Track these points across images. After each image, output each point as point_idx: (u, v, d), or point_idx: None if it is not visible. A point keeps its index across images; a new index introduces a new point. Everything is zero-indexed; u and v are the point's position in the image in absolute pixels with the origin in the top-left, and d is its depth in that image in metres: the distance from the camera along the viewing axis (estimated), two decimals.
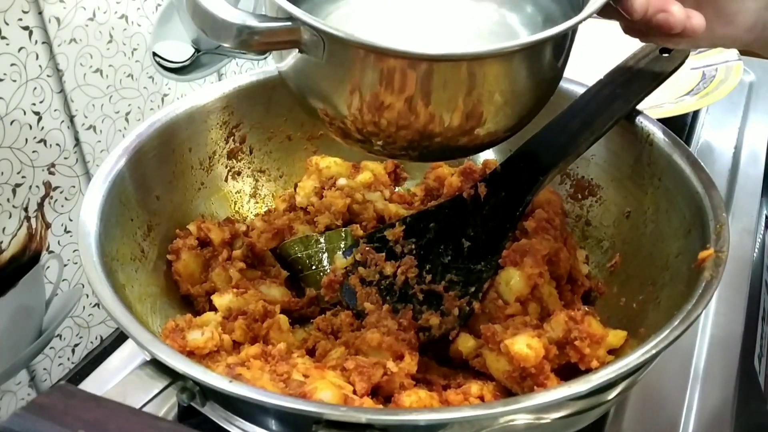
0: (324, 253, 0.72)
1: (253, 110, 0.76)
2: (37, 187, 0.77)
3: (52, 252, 0.81)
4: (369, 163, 0.78)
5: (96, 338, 0.90)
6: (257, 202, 0.79)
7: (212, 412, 0.51)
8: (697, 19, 0.53)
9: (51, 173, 0.78)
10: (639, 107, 0.68)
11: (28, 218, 0.77)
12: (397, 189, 0.80)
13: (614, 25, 0.60)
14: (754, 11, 0.55)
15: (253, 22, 0.47)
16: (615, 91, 0.68)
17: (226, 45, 0.48)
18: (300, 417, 0.45)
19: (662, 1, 0.52)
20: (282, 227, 0.73)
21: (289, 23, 0.48)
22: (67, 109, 0.79)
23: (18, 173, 0.75)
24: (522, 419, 0.46)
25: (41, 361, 0.83)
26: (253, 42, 0.48)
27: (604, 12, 0.52)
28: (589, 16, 0.49)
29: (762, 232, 0.91)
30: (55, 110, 0.77)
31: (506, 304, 0.62)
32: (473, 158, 0.80)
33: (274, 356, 0.58)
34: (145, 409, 0.45)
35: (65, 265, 0.83)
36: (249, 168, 0.78)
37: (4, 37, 0.70)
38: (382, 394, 0.57)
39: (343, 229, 0.74)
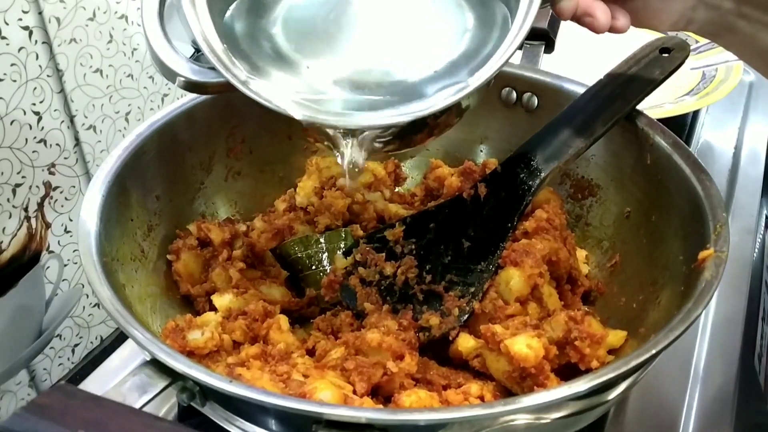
0: (324, 253, 0.72)
1: (253, 110, 0.75)
2: (37, 187, 0.77)
3: (52, 252, 0.81)
4: (369, 163, 0.78)
5: (96, 338, 0.90)
6: (257, 202, 0.79)
7: (212, 412, 0.51)
8: (621, 21, 0.57)
9: (51, 173, 0.78)
10: (639, 107, 0.68)
11: (28, 218, 0.77)
12: (397, 189, 0.80)
13: None
14: (677, 12, 0.58)
15: (191, 75, 0.55)
16: (615, 91, 0.68)
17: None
18: (300, 417, 0.45)
19: (588, 5, 0.56)
20: (282, 227, 0.73)
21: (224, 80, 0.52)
22: (67, 109, 0.79)
23: (18, 173, 0.75)
24: (522, 419, 0.46)
25: (41, 361, 0.83)
26: (195, 88, 0.56)
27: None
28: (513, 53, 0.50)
29: (762, 232, 0.91)
30: (55, 110, 0.77)
31: (506, 304, 0.62)
32: (473, 158, 0.80)
33: (274, 356, 0.58)
34: (145, 409, 0.45)
35: (65, 265, 0.83)
36: (249, 168, 0.78)
37: (4, 37, 0.70)
38: (382, 394, 0.57)
39: (343, 229, 0.74)
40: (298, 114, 0.51)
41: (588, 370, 0.56)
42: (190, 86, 0.56)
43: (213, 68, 0.52)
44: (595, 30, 0.57)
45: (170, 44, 0.55)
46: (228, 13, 0.55)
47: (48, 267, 0.81)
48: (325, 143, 0.56)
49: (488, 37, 0.54)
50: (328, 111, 0.51)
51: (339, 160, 0.56)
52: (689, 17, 0.58)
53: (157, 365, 0.48)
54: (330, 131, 0.54)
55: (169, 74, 0.55)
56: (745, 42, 0.58)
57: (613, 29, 0.57)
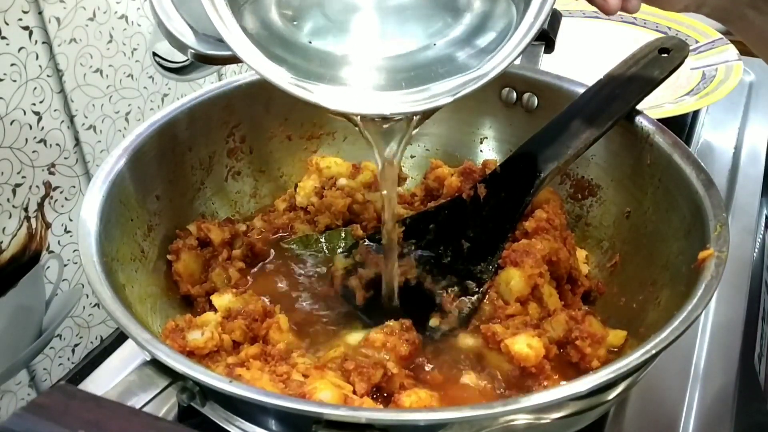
0: (324, 252, 0.72)
1: (253, 110, 0.76)
2: (37, 187, 0.77)
3: (52, 252, 0.81)
4: (369, 163, 0.78)
5: (96, 338, 0.90)
6: (257, 202, 0.79)
7: (212, 412, 0.51)
8: (632, 3, 0.58)
9: (51, 173, 0.78)
10: (639, 107, 0.69)
11: (28, 218, 0.77)
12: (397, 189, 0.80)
13: (614, 26, 0.60)
14: None
15: (201, 48, 0.55)
16: (614, 91, 0.68)
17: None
18: (300, 417, 0.45)
19: None
20: (282, 227, 0.73)
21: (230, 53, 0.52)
22: (67, 109, 0.79)
23: (18, 173, 0.74)
24: (522, 419, 0.46)
25: (41, 361, 0.83)
26: (205, 60, 0.57)
27: None
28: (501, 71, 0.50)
29: (762, 232, 0.91)
30: (55, 110, 0.77)
31: (506, 304, 0.62)
32: (473, 158, 0.80)
33: (274, 356, 0.58)
34: (145, 409, 0.45)
35: (65, 265, 0.83)
36: (249, 168, 0.78)
37: (4, 37, 0.70)
38: (382, 394, 0.57)
39: (343, 228, 0.74)
40: (327, 103, 0.51)
41: (588, 370, 0.56)
42: (201, 58, 0.56)
43: (221, 40, 0.52)
44: (606, 11, 0.57)
45: (180, 14, 0.55)
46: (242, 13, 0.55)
47: (48, 267, 0.81)
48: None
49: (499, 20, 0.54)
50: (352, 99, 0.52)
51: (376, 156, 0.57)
52: (701, 1, 0.58)
53: (157, 365, 0.48)
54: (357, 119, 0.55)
55: (179, 46, 0.55)
56: (755, 31, 0.58)
57: (624, 10, 0.58)
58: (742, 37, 0.61)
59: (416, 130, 0.57)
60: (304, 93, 0.50)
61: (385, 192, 0.60)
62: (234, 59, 0.53)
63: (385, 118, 0.54)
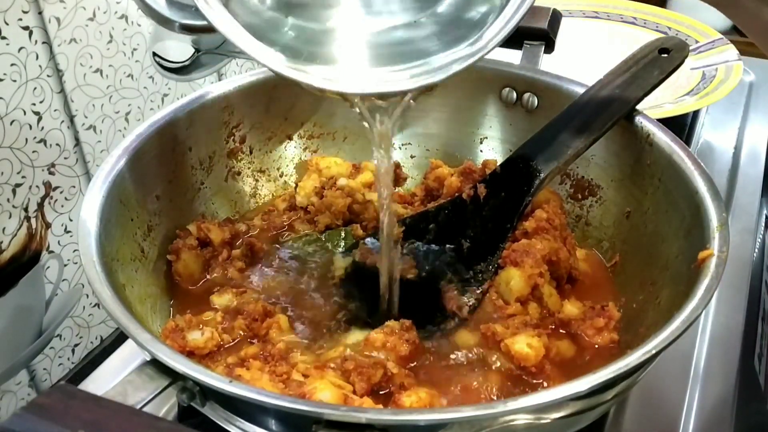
0: (324, 252, 0.72)
1: (253, 110, 0.76)
2: (37, 187, 0.77)
3: (52, 252, 0.81)
4: (369, 163, 0.78)
5: (96, 338, 0.90)
6: (257, 202, 0.79)
7: (212, 412, 0.51)
8: None
9: (51, 173, 0.78)
10: (639, 107, 0.69)
11: (28, 218, 0.77)
12: (397, 189, 0.80)
13: (614, 26, 0.60)
14: None
15: (187, 20, 0.57)
16: (614, 91, 0.68)
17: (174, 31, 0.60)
18: (300, 417, 0.45)
19: None
20: (282, 227, 0.73)
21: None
22: (67, 109, 0.79)
23: (18, 173, 0.75)
24: (522, 419, 0.46)
25: (41, 361, 0.83)
26: (191, 30, 0.59)
27: None
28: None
29: (762, 232, 0.91)
30: (55, 110, 0.77)
31: (506, 304, 0.62)
32: (473, 158, 0.80)
33: (274, 356, 0.58)
34: (145, 409, 0.45)
35: (65, 265, 0.83)
36: (249, 168, 0.78)
37: (4, 37, 0.70)
38: (383, 393, 0.57)
39: (343, 228, 0.74)
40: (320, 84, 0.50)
41: (588, 370, 0.56)
42: (187, 29, 0.57)
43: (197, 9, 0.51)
44: None
45: None
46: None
47: (48, 267, 0.81)
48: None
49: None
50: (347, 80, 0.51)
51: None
52: None
53: (157, 365, 0.48)
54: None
55: (168, 24, 0.56)
56: (748, 16, 0.58)
57: None
58: (737, 23, 0.61)
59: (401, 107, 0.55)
60: (298, 74, 0.49)
61: (383, 190, 0.60)
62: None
63: (382, 96, 0.53)
